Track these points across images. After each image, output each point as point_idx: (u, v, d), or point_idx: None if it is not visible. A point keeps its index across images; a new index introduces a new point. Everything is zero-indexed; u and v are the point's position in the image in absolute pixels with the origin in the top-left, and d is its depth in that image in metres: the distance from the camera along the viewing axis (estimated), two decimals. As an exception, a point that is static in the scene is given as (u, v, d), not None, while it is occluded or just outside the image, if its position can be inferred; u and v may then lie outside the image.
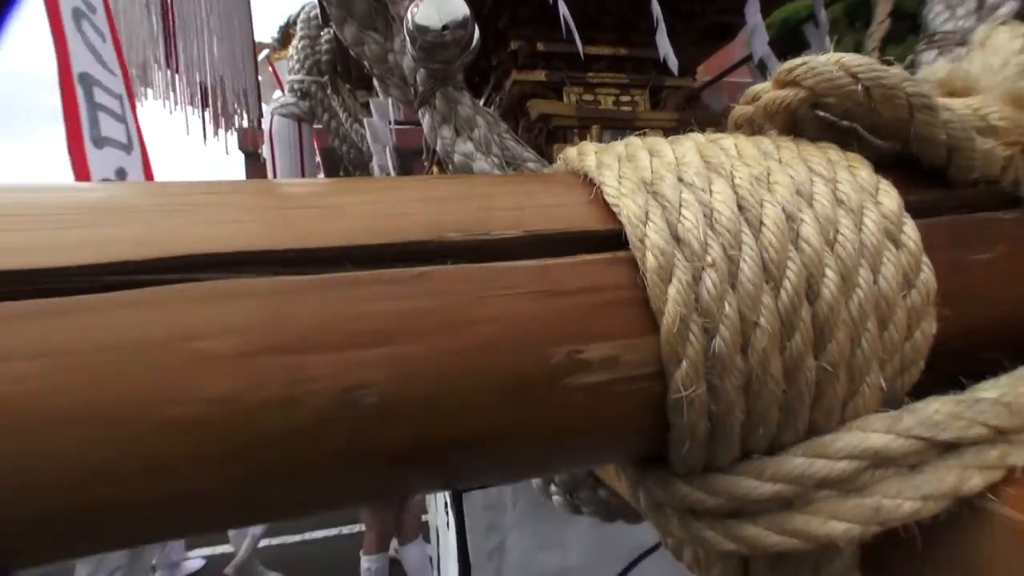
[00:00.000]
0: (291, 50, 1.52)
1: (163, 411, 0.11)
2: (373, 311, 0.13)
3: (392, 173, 1.05)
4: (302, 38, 1.37)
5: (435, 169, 0.94)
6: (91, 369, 0.10)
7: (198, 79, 1.05)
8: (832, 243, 0.15)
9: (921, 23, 0.79)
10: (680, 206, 0.15)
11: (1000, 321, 0.19)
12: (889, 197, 0.17)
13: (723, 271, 0.14)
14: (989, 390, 0.16)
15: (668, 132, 0.58)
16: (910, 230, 0.16)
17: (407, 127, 1.19)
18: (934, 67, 0.24)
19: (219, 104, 1.06)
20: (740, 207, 0.15)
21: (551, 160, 0.54)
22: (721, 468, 0.17)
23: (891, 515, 0.15)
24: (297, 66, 1.37)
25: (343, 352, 0.12)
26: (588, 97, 0.91)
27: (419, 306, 0.13)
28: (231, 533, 3.35)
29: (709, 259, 0.14)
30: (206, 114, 1.09)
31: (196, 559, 3.66)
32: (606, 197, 0.15)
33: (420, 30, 0.43)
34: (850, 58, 0.18)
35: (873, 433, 0.15)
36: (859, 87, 0.17)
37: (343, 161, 1.45)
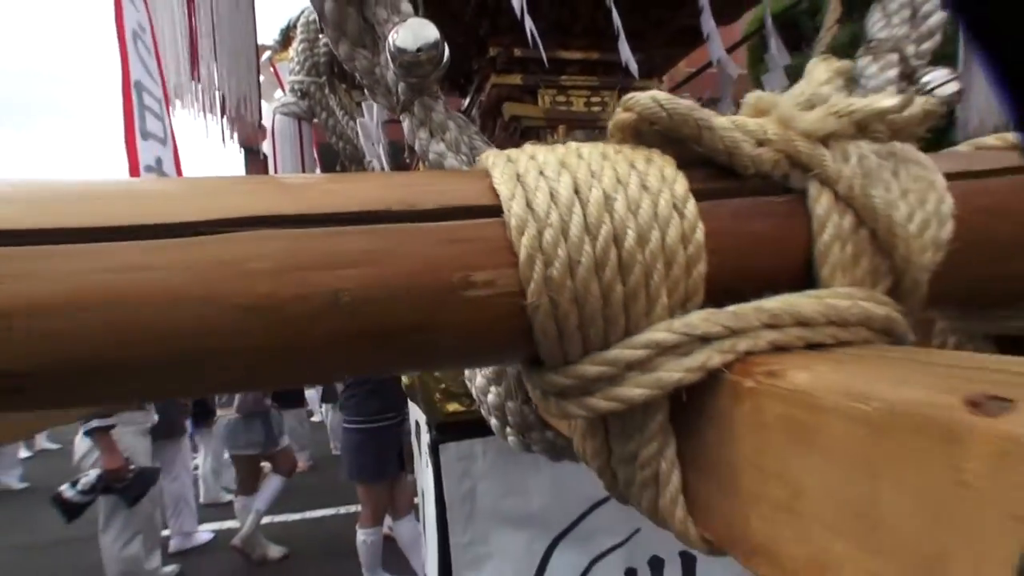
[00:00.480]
0: (291, 52, 1.60)
1: (233, 300, 0.20)
2: (349, 249, 0.22)
3: (384, 166, 1.14)
4: (302, 41, 1.45)
5: (421, 165, 1.03)
6: (200, 274, 0.19)
7: (215, 90, 1.21)
8: (635, 213, 0.24)
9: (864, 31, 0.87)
10: (536, 190, 0.24)
11: (766, 267, 0.28)
12: (680, 185, 0.26)
13: (557, 229, 0.23)
14: (737, 307, 0.25)
15: None
16: (691, 206, 0.25)
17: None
18: (757, 93, 0.33)
19: (231, 110, 1.21)
20: (576, 191, 0.24)
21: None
22: (573, 361, 0.26)
23: (667, 383, 0.24)
24: (297, 68, 1.45)
25: (331, 271, 0.21)
26: (561, 99, 0.99)
27: (373, 247, 0.22)
28: (237, 508, 3.47)
29: (549, 221, 0.23)
30: (224, 120, 1.25)
31: (205, 532, 3.77)
32: (493, 184, 0.24)
33: (399, 51, 0.51)
34: (661, 94, 0.27)
35: (659, 332, 0.24)
36: (664, 113, 0.26)
37: (340, 156, 1.53)
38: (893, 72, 0.77)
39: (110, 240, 0.20)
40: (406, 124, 0.59)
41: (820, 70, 0.34)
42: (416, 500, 1.86)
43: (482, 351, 0.27)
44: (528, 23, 0.73)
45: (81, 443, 2.69)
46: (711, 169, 0.29)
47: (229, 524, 3.82)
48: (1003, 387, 0.15)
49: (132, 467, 2.55)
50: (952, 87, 0.76)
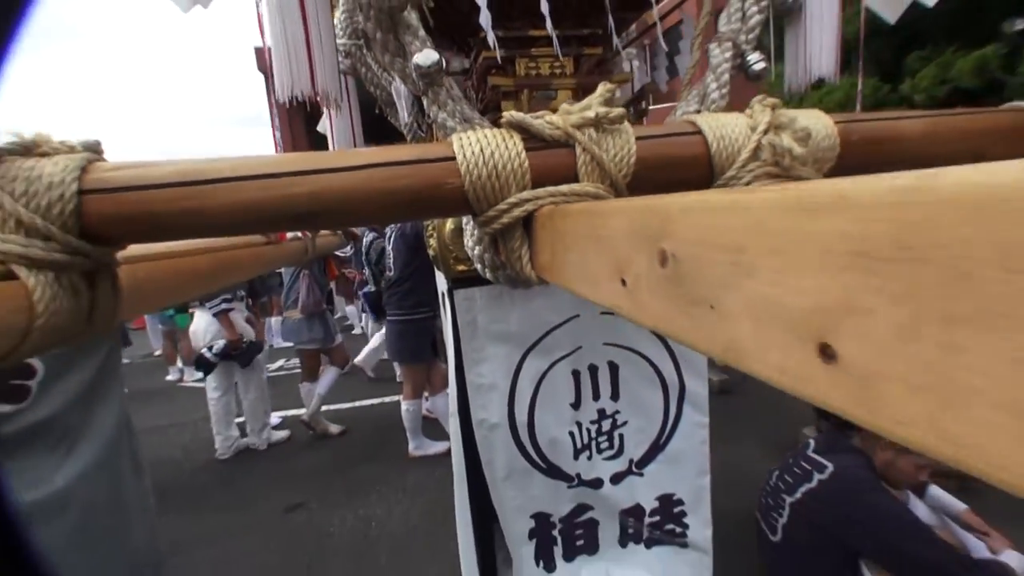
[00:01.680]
0: (335, 19, 1.96)
1: (288, 191, 0.63)
2: (401, 174, 0.65)
3: (408, 114, 1.53)
4: (344, 12, 1.81)
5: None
6: (270, 191, 0.62)
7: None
8: (503, 155, 0.67)
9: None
10: (466, 148, 0.66)
11: (559, 176, 0.70)
12: (519, 144, 0.68)
13: (473, 163, 0.65)
14: (539, 189, 0.68)
15: (574, 91, 1.25)
16: (523, 154, 0.67)
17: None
18: (564, 106, 0.74)
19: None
20: (481, 148, 0.66)
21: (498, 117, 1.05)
22: (483, 212, 0.69)
23: (517, 216, 0.67)
24: (340, 32, 1.81)
25: (395, 181, 0.64)
26: (532, 66, 1.37)
27: (409, 172, 0.65)
28: (302, 394, 4.09)
29: (472, 160, 0.66)
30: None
31: (276, 417, 4.44)
32: (453, 147, 0.67)
33: (417, 66, 0.91)
34: (518, 115, 0.68)
35: (513, 198, 0.67)
36: (515, 120, 0.68)
37: (377, 101, 1.92)
38: (730, 53, 1.14)
39: (266, 179, 0.63)
40: (425, 101, 0.99)
41: (600, 90, 0.74)
42: (445, 369, 2.36)
43: (451, 209, 0.70)
44: (486, 21, 1.11)
45: (200, 322, 3.42)
46: (537, 141, 0.70)
47: (294, 412, 4.47)
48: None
49: (245, 340, 3.35)
50: (762, 64, 1.13)
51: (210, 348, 3.44)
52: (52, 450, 1.04)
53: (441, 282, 1.49)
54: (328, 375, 4.04)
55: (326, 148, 1.72)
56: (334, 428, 4.06)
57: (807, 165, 0.79)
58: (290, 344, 4.18)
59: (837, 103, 4.23)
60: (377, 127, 1.83)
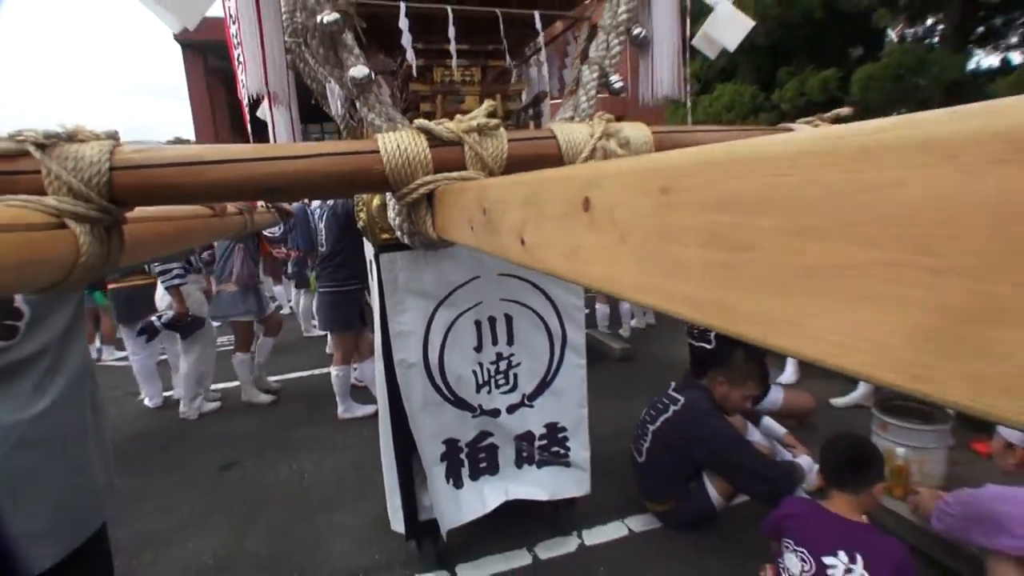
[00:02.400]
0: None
1: (258, 171, 0.88)
2: (333, 162, 0.90)
3: (340, 109, 1.75)
4: (286, 12, 1.98)
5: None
6: (269, 169, 0.87)
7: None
8: (411, 150, 0.93)
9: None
10: (387, 144, 0.92)
11: (454, 165, 0.97)
12: (424, 142, 0.94)
13: (392, 156, 0.91)
14: (428, 176, 0.95)
15: (480, 96, 1.59)
16: (428, 149, 0.94)
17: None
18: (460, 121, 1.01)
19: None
20: (398, 144, 0.92)
21: (418, 114, 1.29)
22: (399, 189, 0.95)
23: (420, 194, 0.93)
24: (284, 30, 1.99)
25: (330, 169, 0.89)
26: (447, 74, 1.62)
27: (344, 161, 0.90)
28: (235, 364, 4.16)
29: (391, 154, 0.91)
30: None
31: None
32: (378, 141, 0.92)
33: (352, 77, 1.15)
34: (427, 124, 0.95)
35: (419, 179, 0.94)
36: (423, 131, 0.94)
37: (313, 94, 2.10)
38: (597, 74, 1.43)
39: (242, 163, 0.87)
40: (358, 103, 1.22)
41: (484, 105, 1.02)
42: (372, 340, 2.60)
43: (377, 187, 0.95)
44: (407, 41, 1.35)
45: (162, 294, 3.67)
46: (438, 140, 0.97)
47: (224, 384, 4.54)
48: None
49: (189, 315, 3.49)
50: (620, 83, 1.43)
51: (159, 317, 3.61)
52: (33, 382, 1.21)
53: (369, 251, 1.71)
54: (265, 345, 4.16)
55: (243, 121, 1.90)
56: (265, 398, 4.18)
57: (631, 163, 1.09)
58: (219, 322, 4.22)
59: (724, 105, 4.72)
60: (313, 112, 2.03)
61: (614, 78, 1.41)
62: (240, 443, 3.49)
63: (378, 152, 0.91)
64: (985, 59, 3.81)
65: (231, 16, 1.23)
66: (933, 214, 0.17)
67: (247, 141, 1.49)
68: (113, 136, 0.82)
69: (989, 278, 0.15)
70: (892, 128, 0.19)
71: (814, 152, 0.21)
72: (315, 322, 5.73)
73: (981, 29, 3.71)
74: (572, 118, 1.44)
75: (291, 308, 7.23)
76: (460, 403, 1.69)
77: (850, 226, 0.19)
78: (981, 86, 3.11)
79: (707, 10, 1.52)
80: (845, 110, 1.45)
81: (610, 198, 0.34)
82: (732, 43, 1.56)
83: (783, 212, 0.23)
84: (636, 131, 1.11)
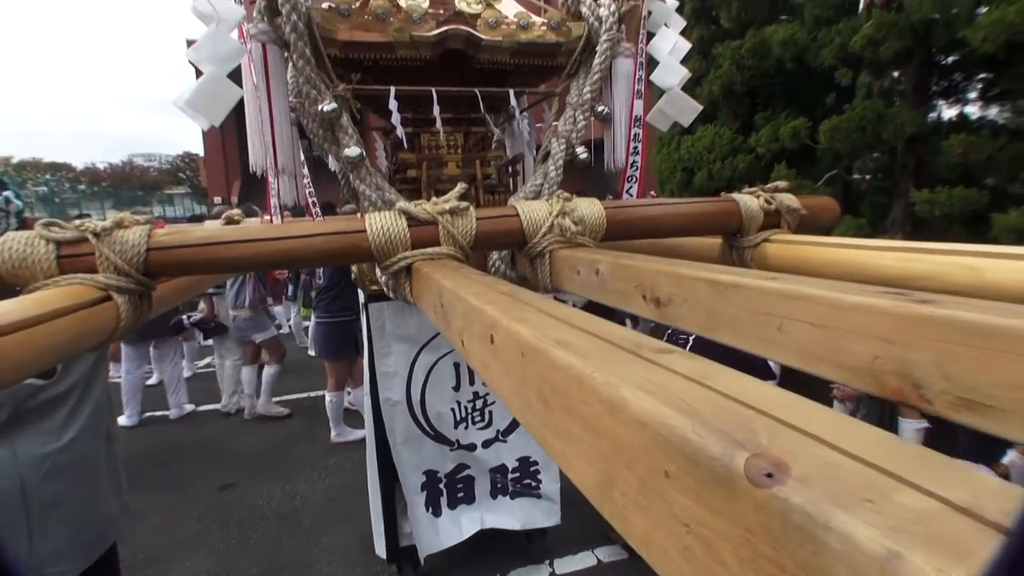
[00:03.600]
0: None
1: (266, 248, 1.05)
2: (325, 240, 1.07)
3: (338, 169, 1.94)
4: (292, 76, 2.18)
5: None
6: (281, 246, 1.04)
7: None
8: (392, 230, 1.11)
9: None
10: (372, 225, 1.09)
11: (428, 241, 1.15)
12: (404, 222, 1.12)
13: (377, 236, 1.09)
14: (416, 250, 1.12)
15: (461, 161, 1.82)
16: (406, 227, 1.12)
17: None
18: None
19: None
20: (382, 226, 1.10)
21: (405, 178, 1.48)
22: (383, 261, 1.12)
23: (402, 265, 1.11)
24: (290, 92, 2.18)
25: (284, 246, 1.07)
26: (432, 141, 1.80)
27: (333, 240, 1.07)
28: (245, 378, 4.34)
29: (375, 234, 1.09)
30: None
31: (190, 405, 4.69)
32: (366, 221, 1.09)
33: (346, 156, 1.33)
34: (405, 204, 1.13)
35: (399, 255, 1.11)
36: (409, 213, 1.12)
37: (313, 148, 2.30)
38: (564, 146, 1.62)
39: (253, 242, 1.04)
40: (351, 176, 1.40)
41: (456, 189, 1.20)
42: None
43: (364, 259, 1.13)
44: (396, 119, 1.54)
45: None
46: (416, 220, 1.14)
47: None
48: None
49: (215, 321, 3.93)
50: (585, 155, 1.61)
51: (189, 316, 4.21)
52: (64, 416, 1.37)
53: (361, 295, 1.89)
54: (273, 372, 4.36)
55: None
56: (281, 410, 4.46)
57: (585, 235, 1.26)
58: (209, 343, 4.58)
59: (705, 146, 4.95)
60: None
61: (580, 149, 1.60)
62: (239, 462, 3.62)
63: (365, 232, 1.08)
64: (947, 111, 4.04)
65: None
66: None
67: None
68: (151, 222, 0.99)
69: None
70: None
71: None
72: (306, 344, 5.92)
73: (944, 83, 3.94)
74: (542, 185, 1.62)
75: (290, 328, 7.39)
76: (439, 438, 1.84)
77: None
78: (938, 140, 3.32)
79: (661, 90, 1.72)
80: (782, 183, 1.64)
81: (503, 341, 0.50)
82: (685, 120, 1.76)
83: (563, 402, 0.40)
84: (590, 208, 1.28)
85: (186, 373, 5.31)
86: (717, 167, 4.81)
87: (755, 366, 2.34)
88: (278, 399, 4.78)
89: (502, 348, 0.50)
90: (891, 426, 3.08)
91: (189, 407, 4.63)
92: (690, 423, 0.26)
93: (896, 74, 4.01)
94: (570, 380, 0.36)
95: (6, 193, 1.44)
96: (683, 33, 1.71)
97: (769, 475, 0.22)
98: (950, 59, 3.60)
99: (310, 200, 1.50)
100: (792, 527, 0.20)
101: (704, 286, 0.66)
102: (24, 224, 1.49)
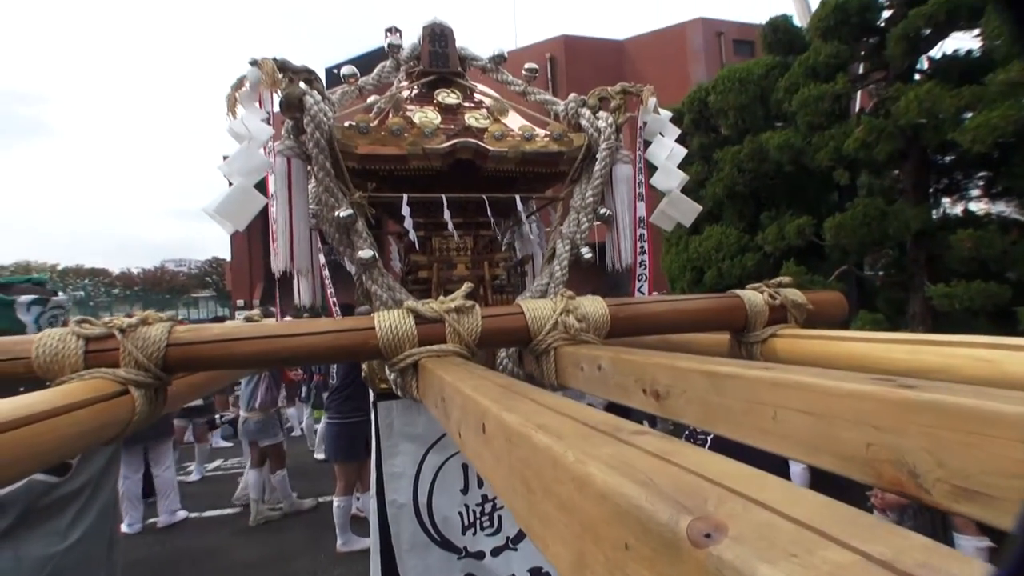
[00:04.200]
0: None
1: (278, 344, 1.10)
2: (338, 337, 1.12)
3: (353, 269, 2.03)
4: (313, 187, 2.34)
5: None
6: (292, 343, 1.09)
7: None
8: (400, 329, 1.15)
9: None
10: (380, 322, 1.14)
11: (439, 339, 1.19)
12: (412, 322, 1.17)
13: (386, 334, 1.13)
14: (428, 347, 1.16)
15: (468, 263, 1.88)
16: (414, 326, 1.16)
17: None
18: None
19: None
20: (389, 324, 1.15)
21: (416, 279, 1.55)
22: (390, 358, 1.16)
23: (407, 363, 1.14)
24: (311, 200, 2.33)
25: (294, 343, 1.11)
26: (443, 243, 1.90)
27: (341, 338, 1.12)
28: (252, 482, 4.25)
29: (384, 333, 1.13)
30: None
31: (183, 512, 4.57)
32: (375, 320, 1.14)
33: (358, 259, 1.41)
34: (413, 303, 1.18)
35: (408, 352, 1.15)
36: (414, 311, 1.18)
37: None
38: (569, 246, 1.69)
39: (266, 338, 1.09)
40: (364, 277, 1.48)
41: (462, 289, 1.25)
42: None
43: (372, 356, 1.16)
44: (409, 224, 1.64)
45: None
46: (423, 318, 1.19)
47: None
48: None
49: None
50: (590, 255, 1.68)
51: (221, 416, 4.58)
52: (72, 516, 1.37)
53: (369, 392, 1.91)
54: (280, 476, 4.30)
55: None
56: (306, 502, 4.37)
57: (589, 332, 1.29)
58: (228, 444, 4.47)
59: (712, 246, 5.07)
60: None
61: (584, 250, 1.67)
62: (239, 575, 3.47)
63: (373, 329, 1.13)
64: (953, 207, 4.15)
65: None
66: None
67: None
68: (173, 319, 1.05)
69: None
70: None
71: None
72: (314, 447, 5.85)
73: (944, 181, 4.08)
74: (548, 284, 1.68)
75: (302, 430, 7.31)
76: (446, 544, 1.78)
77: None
78: (946, 235, 3.39)
79: (663, 193, 1.82)
80: (786, 279, 1.68)
81: (492, 429, 0.53)
82: (686, 221, 1.84)
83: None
84: (593, 305, 1.33)
85: (195, 476, 5.23)
86: (726, 265, 4.91)
87: (774, 464, 2.26)
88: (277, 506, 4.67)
89: (492, 436, 0.52)
90: (946, 540, 2.89)
91: (181, 514, 4.51)
92: (644, 493, 0.28)
93: (896, 173, 4.17)
94: (546, 460, 0.38)
95: (61, 295, 1.55)
96: (684, 141, 1.83)
97: (708, 535, 0.24)
98: (947, 159, 3.76)
99: (331, 300, 1.57)
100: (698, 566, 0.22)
101: (700, 378, 0.68)
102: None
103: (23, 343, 0.91)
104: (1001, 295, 3.14)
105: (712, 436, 2.39)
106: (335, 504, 3.60)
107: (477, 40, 1.93)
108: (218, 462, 5.86)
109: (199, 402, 5.06)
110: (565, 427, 0.42)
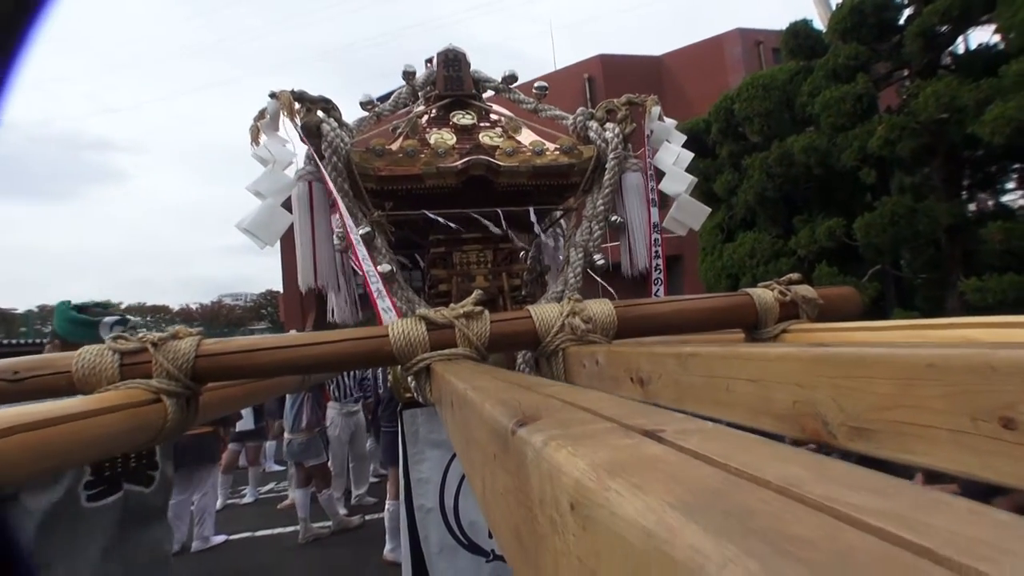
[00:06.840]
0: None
1: (299, 353, 1.15)
2: (357, 344, 1.17)
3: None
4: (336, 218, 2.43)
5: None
6: (315, 351, 1.14)
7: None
8: (413, 335, 1.19)
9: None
10: (393, 329, 1.18)
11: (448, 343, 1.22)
12: (423, 328, 1.21)
13: (398, 341, 1.18)
14: (425, 354, 1.20)
15: (487, 275, 1.94)
16: (425, 333, 1.20)
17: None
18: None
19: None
20: (402, 330, 1.19)
21: (437, 292, 1.60)
22: (405, 363, 1.20)
23: (420, 366, 1.18)
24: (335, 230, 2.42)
25: (315, 351, 1.16)
26: (464, 257, 1.95)
27: (362, 345, 1.16)
28: (297, 500, 4.34)
29: (397, 340, 1.18)
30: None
31: (219, 537, 4.61)
32: (389, 328, 1.19)
33: (381, 271, 1.47)
34: (429, 313, 1.22)
35: (421, 356, 1.19)
36: (427, 319, 1.22)
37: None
38: (582, 254, 1.71)
39: (288, 348, 1.14)
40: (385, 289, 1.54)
41: (472, 296, 1.29)
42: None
43: (387, 361, 1.21)
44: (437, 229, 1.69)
45: None
46: (435, 324, 1.23)
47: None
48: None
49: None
50: (602, 262, 1.70)
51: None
52: (161, 523, 1.46)
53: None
54: (327, 495, 4.38)
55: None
56: (355, 520, 4.45)
57: (596, 333, 1.31)
58: (281, 468, 4.57)
59: (746, 252, 4.99)
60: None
61: (597, 257, 1.69)
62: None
63: (387, 336, 1.17)
64: (989, 201, 3.97)
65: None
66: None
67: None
68: (201, 334, 1.12)
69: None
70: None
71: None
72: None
73: (979, 175, 3.92)
74: (563, 291, 1.70)
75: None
76: (473, 547, 1.79)
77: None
78: (979, 231, 3.26)
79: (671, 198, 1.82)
80: (796, 276, 1.66)
81: (456, 401, 0.56)
82: (696, 224, 1.84)
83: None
84: (600, 307, 1.34)
85: (249, 499, 5.37)
86: (761, 271, 4.82)
87: None
88: (321, 524, 4.74)
89: (457, 407, 0.55)
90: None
91: (217, 539, 4.54)
92: (505, 411, 0.32)
93: (927, 170, 4.04)
94: (473, 413, 0.42)
95: (136, 318, 1.68)
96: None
97: (522, 424, 0.28)
98: (978, 153, 3.61)
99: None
100: (517, 450, 0.25)
101: (671, 360, 0.70)
102: None
103: (65, 359, 0.98)
104: (1031, 285, 3.00)
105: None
106: (387, 507, 3.65)
107: (516, 67, 1.99)
108: (271, 484, 6.02)
109: (251, 427, 5.18)
110: (493, 386, 0.45)
